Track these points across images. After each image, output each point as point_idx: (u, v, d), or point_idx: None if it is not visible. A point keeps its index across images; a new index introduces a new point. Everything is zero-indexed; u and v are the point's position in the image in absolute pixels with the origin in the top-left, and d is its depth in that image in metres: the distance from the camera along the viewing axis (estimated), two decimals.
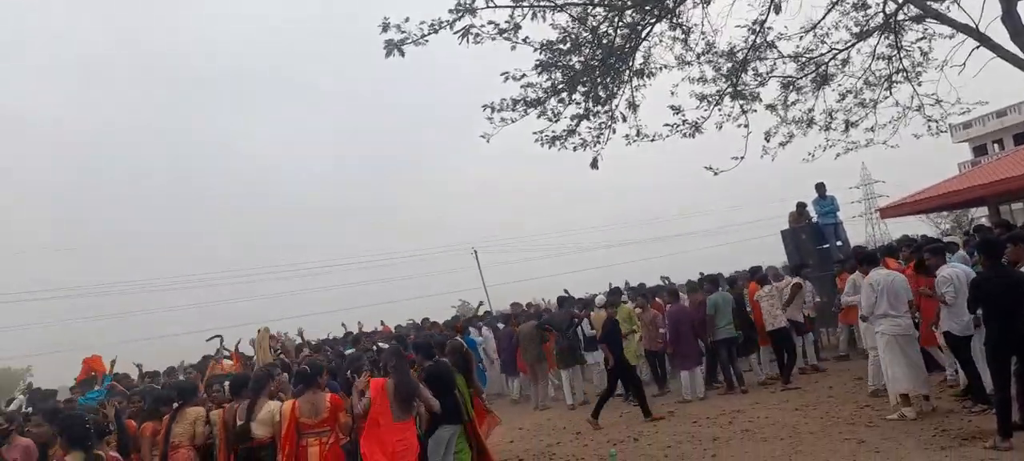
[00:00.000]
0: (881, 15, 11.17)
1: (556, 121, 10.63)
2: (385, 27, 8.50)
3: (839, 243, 13.13)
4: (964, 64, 10.67)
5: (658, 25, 10.60)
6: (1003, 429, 5.64)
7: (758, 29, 10.99)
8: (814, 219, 13.37)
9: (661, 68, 11.09)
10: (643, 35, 10.53)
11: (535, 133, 10.68)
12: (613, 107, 10.94)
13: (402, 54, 8.59)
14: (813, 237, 13.12)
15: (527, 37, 9.47)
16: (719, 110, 11.49)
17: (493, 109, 10.19)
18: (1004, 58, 9.19)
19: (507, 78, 9.86)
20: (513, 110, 10.24)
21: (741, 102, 11.49)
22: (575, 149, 10.93)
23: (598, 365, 11.57)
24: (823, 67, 11.81)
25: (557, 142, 10.78)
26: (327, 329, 14.81)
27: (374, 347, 9.85)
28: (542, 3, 9.43)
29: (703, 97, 11.39)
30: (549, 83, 10.22)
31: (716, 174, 11.13)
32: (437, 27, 8.74)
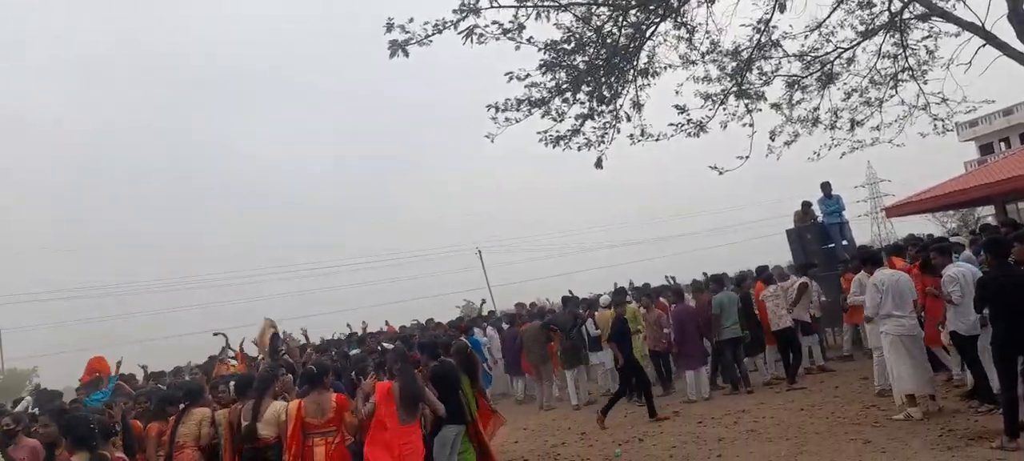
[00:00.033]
0: (886, 13, 11.15)
1: (560, 121, 10.64)
2: (389, 28, 8.52)
3: (845, 242, 13.08)
4: (970, 62, 10.65)
5: (662, 24, 10.60)
6: (1010, 429, 5.60)
7: (763, 28, 10.99)
8: (819, 218, 13.33)
9: (665, 67, 11.10)
10: (647, 34, 10.53)
11: (539, 133, 10.69)
12: (617, 107, 10.94)
13: (406, 55, 8.61)
14: (818, 237, 13.09)
15: (531, 37, 9.49)
16: (724, 109, 11.47)
17: (497, 109, 10.21)
18: (1010, 56, 9.16)
19: (511, 78, 9.86)
20: (517, 110, 10.25)
21: (746, 101, 11.48)
22: (579, 149, 10.92)
23: (603, 365, 11.57)
24: (828, 66, 11.78)
25: (561, 142, 10.77)
26: (331, 329, 14.87)
27: (379, 348, 9.85)
28: (546, 3, 9.43)
29: (708, 96, 11.37)
30: (553, 83, 10.22)
31: (721, 173, 11.13)
32: (441, 27, 8.75)
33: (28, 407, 8.27)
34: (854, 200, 59.37)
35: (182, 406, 6.23)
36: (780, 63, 11.62)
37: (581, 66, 10.26)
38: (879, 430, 6.83)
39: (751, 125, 11.39)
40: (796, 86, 11.97)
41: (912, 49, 11.47)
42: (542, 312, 13.32)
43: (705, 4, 10.68)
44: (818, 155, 12.56)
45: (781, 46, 11.40)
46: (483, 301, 17.63)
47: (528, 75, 9.99)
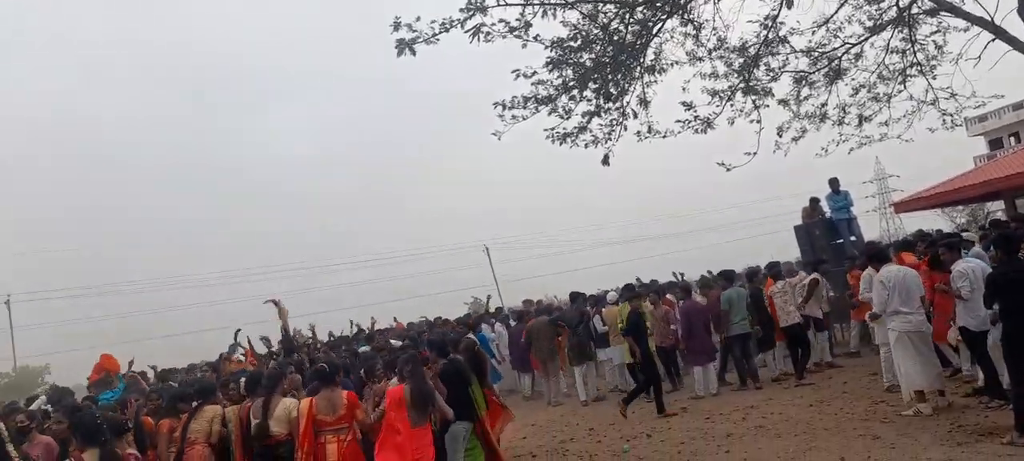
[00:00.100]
0: (894, 8, 11.09)
1: (567, 118, 10.63)
2: (396, 26, 8.54)
3: (853, 238, 13.06)
4: (979, 57, 10.58)
5: (669, 21, 10.57)
6: (1020, 425, 5.59)
7: (770, 24, 10.94)
8: (827, 214, 13.30)
9: (672, 64, 11.07)
10: (654, 31, 10.50)
11: (546, 130, 10.69)
12: (624, 104, 10.92)
13: (413, 53, 8.63)
14: (826, 232, 13.06)
15: (538, 35, 9.49)
16: (731, 106, 11.44)
17: (504, 106, 10.21)
18: (1020, 50, 9.12)
19: (518, 75, 9.87)
20: (524, 107, 10.24)
21: (753, 97, 11.44)
22: (586, 146, 10.91)
23: (610, 361, 11.58)
24: (836, 61, 11.74)
25: (568, 139, 10.77)
26: (338, 325, 14.90)
27: (388, 345, 9.90)
28: (553, 1, 9.44)
29: (715, 93, 11.35)
30: (560, 80, 10.23)
31: (729, 170, 11.09)
32: (448, 26, 8.77)
33: (42, 405, 8.35)
34: (862, 196, 59.08)
35: (195, 404, 6.29)
36: (787, 59, 11.58)
37: (588, 63, 10.25)
38: (888, 426, 6.82)
39: (759, 121, 11.37)
40: (804, 82, 11.94)
41: (920, 44, 11.41)
42: (549, 309, 13.34)
43: (712, 1, 10.67)
44: (826, 151, 12.51)
45: (788, 42, 11.37)
46: (489, 297, 17.64)
47: (535, 73, 10.01)
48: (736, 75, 11.35)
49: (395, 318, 15.68)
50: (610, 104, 10.77)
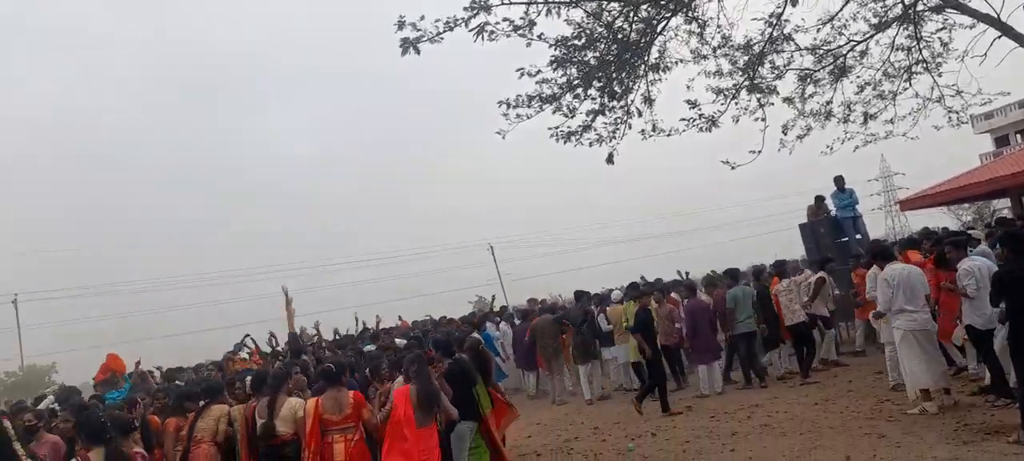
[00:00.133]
0: (900, 5, 11.07)
1: (572, 117, 10.65)
2: (400, 25, 8.55)
3: (858, 236, 13.02)
4: (985, 54, 10.56)
5: (673, 19, 10.58)
6: None
7: (775, 22, 10.93)
8: (833, 212, 13.27)
9: (677, 62, 11.10)
10: (658, 29, 10.51)
11: (550, 129, 10.71)
12: (628, 102, 10.94)
13: (417, 52, 8.64)
14: (832, 231, 13.03)
15: (542, 34, 9.49)
16: (736, 104, 11.45)
17: (509, 105, 10.22)
18: None
19: (522, 74, 9.88)
20: (528, 106, 10.26)
21: (758, 95, 11.44)
22: (591, 144, 10.94)
23: (615, 360, 11.58)
24: (841, 59, 11.73)
25: (573, 138, 10.79)
26: (343, 324, 14.90)
27: (393, 344, 9.91)
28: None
29: (719, 91, 11.36)
30: (564, 79, 10.23)
31: (733, 168, 11.10)
32: (452, 25, 8.77)
33: (50, 404, 8.39)
34: (868, 194, 58.89)
35: (202, 403, 6.31)
36: (792, 57, 11.59)
37: (592, 62, 10.26)
38: (894, 424, 6.80)
39: (763, 119, 11.37)
40: (808, 80, 11.93)
41: (926, 41, 11.39)
42: (554, 307, 13.34)
43: None
44: (831, 149, 12.51)
45: (793, 40, 11.37)
46: (494, 296, 17.65)
47: (539, 71, 10.01)
48: (741, 73, 11.35)
49: (400, 317, 15.69)
50: (614, 102, 10.78)
